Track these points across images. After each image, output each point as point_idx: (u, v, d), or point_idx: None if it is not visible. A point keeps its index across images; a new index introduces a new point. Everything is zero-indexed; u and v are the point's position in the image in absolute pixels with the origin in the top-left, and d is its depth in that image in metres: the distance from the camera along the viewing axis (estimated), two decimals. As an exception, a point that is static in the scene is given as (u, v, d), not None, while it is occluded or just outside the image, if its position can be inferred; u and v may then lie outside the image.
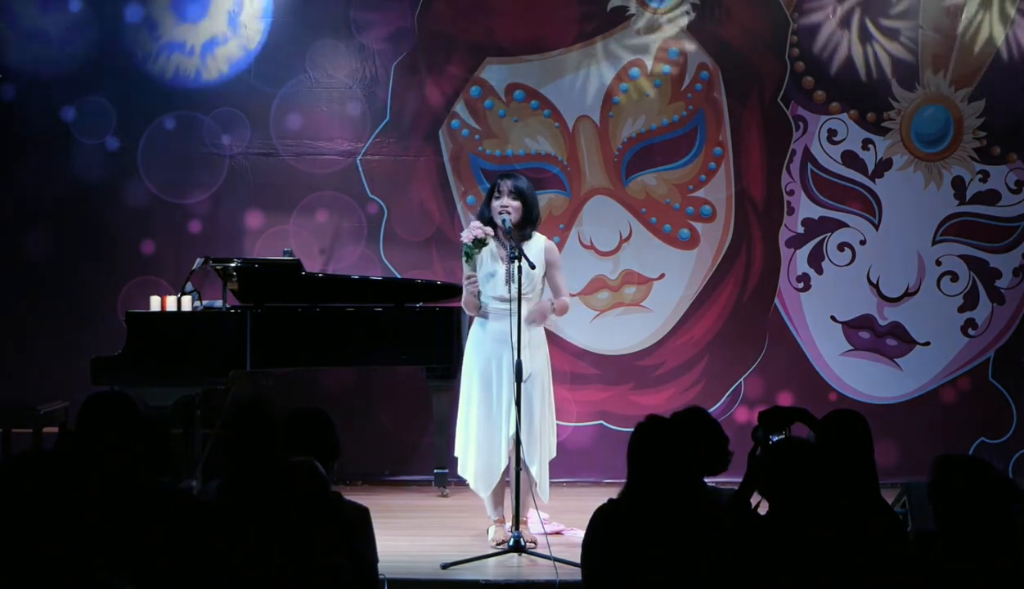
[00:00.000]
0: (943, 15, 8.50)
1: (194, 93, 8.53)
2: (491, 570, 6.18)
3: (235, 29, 8.54)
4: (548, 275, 6.72)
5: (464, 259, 6.64)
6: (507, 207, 6.57)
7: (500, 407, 6.56)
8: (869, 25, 8.52)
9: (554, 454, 6.72)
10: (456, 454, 6.77)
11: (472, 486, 6.73)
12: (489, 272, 6.62)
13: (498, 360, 6.56)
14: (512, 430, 6.40)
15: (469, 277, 6.65)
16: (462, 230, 6.93)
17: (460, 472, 6.75)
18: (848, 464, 4.39)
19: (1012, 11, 8.48)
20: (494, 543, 6.58)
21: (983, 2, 8.48)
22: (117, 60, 8.53)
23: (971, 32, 8.49)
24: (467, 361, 6.72)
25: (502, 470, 6.59)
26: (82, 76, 8.50)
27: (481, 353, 6.64)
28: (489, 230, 6.58)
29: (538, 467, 6.55)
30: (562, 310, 6.72)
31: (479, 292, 6.61)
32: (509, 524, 6.54)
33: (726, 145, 8.61)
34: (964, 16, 8.47)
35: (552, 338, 7.00)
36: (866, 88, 8.55)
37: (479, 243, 6.57)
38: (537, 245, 6.67)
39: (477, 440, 6.61)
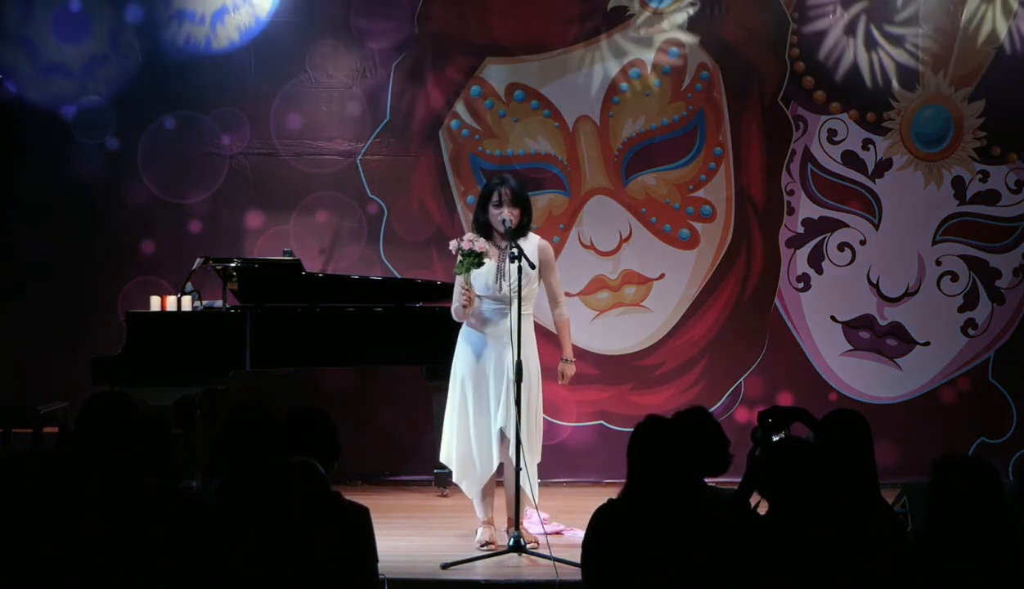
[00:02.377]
0: (944, 14, 8.49)
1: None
2: (491, 570, 6.17)
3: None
4: (543, 277, 6.64)
5: (459, 268, 6.42)
6: (510, 216, 6.49)
7: (489, 406, 6.50)
8: (875, 32, 8.50)
9: (538, 458, 6.56)
10: (442, 458, 6.71)
11: (462, 488, 6.66)
12: (481, 271, 6.52)
13: (488, 359, 6.50)
14: (502, 429, 6.39)
15: (465, 288, 6.45)
16: (460, 234, 6.82)
17: (455, 479, 6.69)
18: (848, 464, 4.39)
19: (1015, 4, 8.46)
20: (479, 544, 6.51)
21: (985, -4, 8.48)
22: (117, 60, 8.53)
23: (973, 26, 8.47)
24: (456, 359, 6.66)
25: (493, 470, 6.53)
26: (82, 76, 8.50)
27: (472, 351, 6.57)
28: (485, 245, 6.43)
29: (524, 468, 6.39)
30: (570, 350, 6.71)
31: (472, 300, 6.46)
32: (505, 526, 6.54)
33: (726, 145, 8.61)
34: (966, 10, 8.45)
35: (552, 338, 6.98)
36: (866, 89, 8.54)
37: (476, 256, 6.41)
38: (531, 245, 6.58)
39: (468, 440, 6.54)
